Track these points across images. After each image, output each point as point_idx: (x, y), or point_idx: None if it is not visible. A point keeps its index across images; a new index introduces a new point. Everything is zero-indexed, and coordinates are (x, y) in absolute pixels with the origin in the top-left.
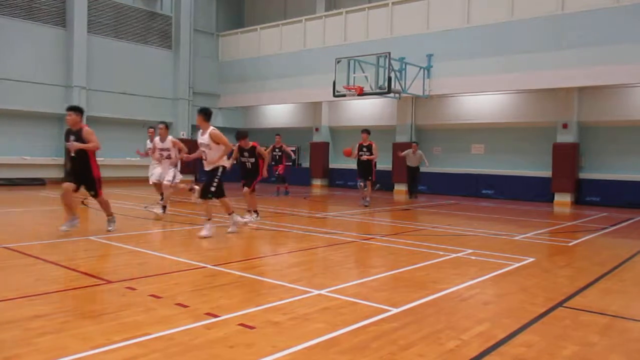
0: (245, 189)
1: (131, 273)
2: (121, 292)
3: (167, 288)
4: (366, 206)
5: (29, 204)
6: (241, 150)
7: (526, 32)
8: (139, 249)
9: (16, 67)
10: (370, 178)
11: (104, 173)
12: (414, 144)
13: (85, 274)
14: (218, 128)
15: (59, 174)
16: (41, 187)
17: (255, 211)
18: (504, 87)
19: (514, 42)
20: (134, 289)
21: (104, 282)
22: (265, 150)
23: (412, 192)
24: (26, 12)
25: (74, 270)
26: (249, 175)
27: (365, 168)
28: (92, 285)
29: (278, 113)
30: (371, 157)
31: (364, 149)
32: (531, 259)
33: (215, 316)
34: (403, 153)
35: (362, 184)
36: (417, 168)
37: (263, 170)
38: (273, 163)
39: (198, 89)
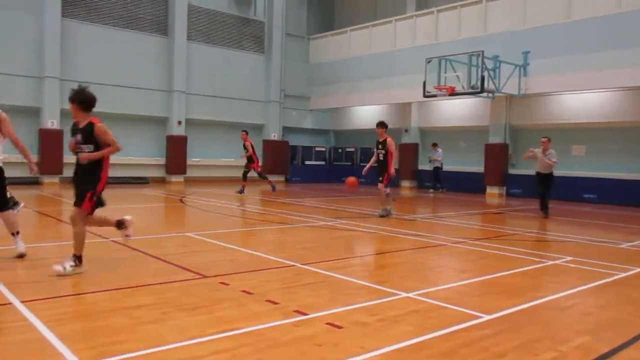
0: (75, 209)
1: (224, 269)
2: (215, 287)
3: (257, 284)
4: (382, 216)
5: (134, 201)
6: (74, 129)
7: (636, 24)
8: (230, 246)
9: (123, 74)
10: (380, 180)
11: (200, 172)
12: (543, 139)
13: (183, 268)
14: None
15: (161, 173)
16: (145, 185)
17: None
18: (608, 84)
19: (621, 35)
20: (227, 284)
21: (200, 276)
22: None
23: (545, 206)
24: (132, 23)
25: (172, 264)
26: (81, 181)
27: (381, 167)
28: (189, 279)
29: (367, 114)
30: (389, 156)
31: (380, 147)
32: (639, 270)
33: (304, 314)
34: (531, 154)
35: (387, 189)
36: (550, 175)
37: (103, 173)
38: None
39: (289, 91)
